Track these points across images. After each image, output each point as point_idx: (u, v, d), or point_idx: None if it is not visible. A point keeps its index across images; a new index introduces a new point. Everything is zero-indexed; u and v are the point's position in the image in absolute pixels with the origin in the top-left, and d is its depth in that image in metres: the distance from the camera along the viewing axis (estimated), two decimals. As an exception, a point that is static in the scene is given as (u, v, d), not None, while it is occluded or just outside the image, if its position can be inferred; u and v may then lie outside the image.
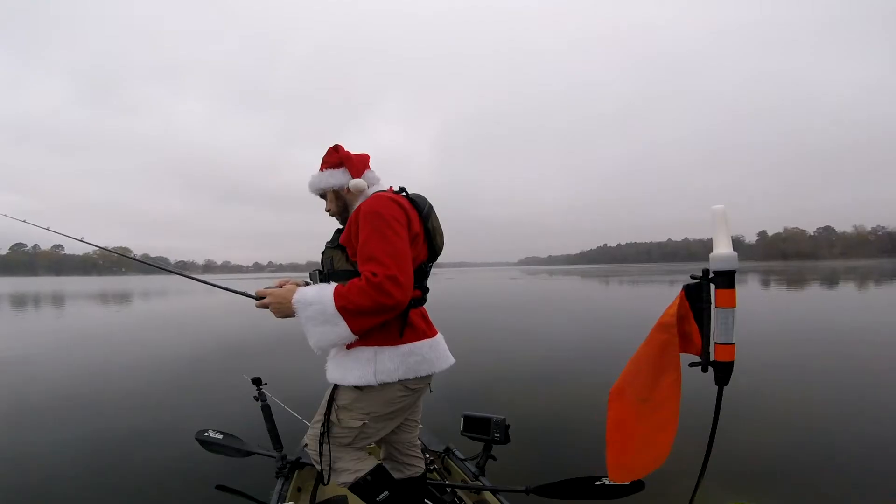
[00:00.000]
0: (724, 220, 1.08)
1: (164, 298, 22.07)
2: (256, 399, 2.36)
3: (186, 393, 4.51)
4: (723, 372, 1.10)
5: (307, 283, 1.47)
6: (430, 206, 1.50)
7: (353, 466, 1.49)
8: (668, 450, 1.16)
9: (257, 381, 2.40)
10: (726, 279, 1.07)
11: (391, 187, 1.55)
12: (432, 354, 1.47)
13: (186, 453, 2.78)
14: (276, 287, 1.42)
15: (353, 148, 1.58)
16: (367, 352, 1.40)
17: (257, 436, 2.42)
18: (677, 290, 1.16)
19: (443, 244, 1.53)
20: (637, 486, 1.55)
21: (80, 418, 3.78)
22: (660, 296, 16.23)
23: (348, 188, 1.53)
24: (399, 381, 1.41)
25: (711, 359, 1.11)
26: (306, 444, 1.60)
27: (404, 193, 1.50)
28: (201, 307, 16.83)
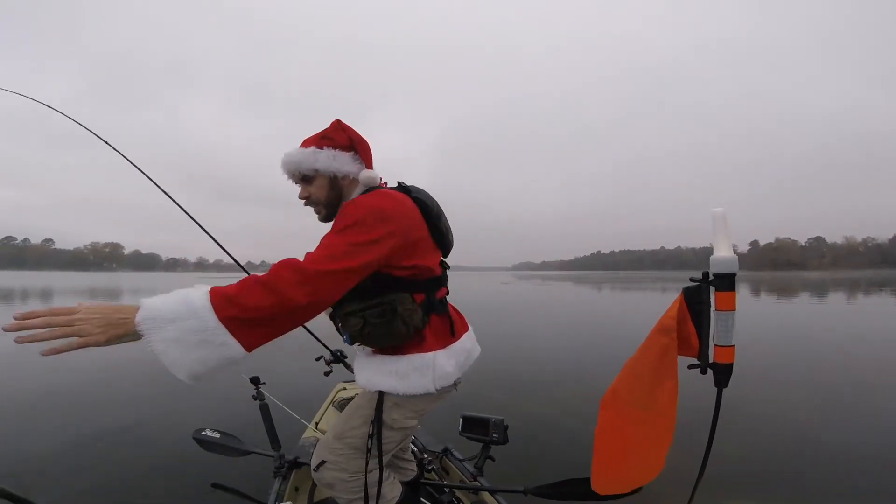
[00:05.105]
0: (723, 223, 1.08)
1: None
2: (255, 398, 2.35)
3: (182, 391, 4.44)
4: (722, 374, 1.10)
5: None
6: None
7: (389, 492, 1.26)
8: (661, 465, 1.11)
9: (255, 380, 2.40)
10: (726, 282, 1.06)
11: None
12: (470, 345, 1.37)
13: (184, 452, 2.75)
14: None
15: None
16: (425, 358, 1.21)
17: (255, 435, 2.42)
18: (669, 296, 1.16)
19: None
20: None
21: (73, 417, 3.73)
22: (655, 301, 16.30)
23: (353, 178, 1.25)
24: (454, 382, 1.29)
25: (711, 360, 1.10)
26: (324, 462, 1.26)
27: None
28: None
